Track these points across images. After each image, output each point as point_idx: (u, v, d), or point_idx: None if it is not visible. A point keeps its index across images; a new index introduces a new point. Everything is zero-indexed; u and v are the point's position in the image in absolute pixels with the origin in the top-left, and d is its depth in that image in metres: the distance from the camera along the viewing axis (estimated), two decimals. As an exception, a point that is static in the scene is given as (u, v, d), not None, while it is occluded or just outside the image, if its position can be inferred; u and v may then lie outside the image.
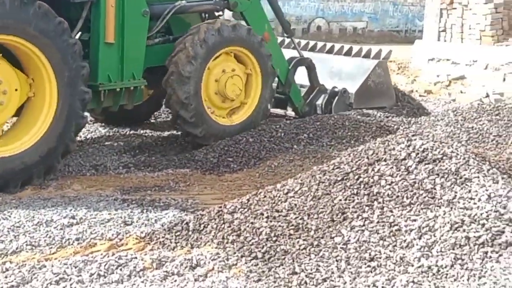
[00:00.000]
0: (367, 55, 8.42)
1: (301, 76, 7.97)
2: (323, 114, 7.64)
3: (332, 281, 3.55)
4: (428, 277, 3.48)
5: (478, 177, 4.08)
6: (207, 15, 7.32)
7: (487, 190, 3.95)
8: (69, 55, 5.54)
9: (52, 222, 4.64)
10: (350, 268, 3.64)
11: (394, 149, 4.40)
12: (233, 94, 6.87)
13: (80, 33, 6.27)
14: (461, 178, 4.08)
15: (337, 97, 7.87)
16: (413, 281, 3.44)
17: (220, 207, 4.45)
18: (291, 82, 7.70)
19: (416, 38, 14.83)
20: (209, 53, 6.63)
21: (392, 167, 4.26)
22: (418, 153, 4.31)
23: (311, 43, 8.98)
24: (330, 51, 8.74)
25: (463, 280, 3.42)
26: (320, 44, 8.92)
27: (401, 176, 4.19)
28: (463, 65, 10.98)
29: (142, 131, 7.60)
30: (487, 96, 9.80)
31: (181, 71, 6.48)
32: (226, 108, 6.99)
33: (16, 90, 5.45)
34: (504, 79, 10.32)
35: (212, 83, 6.79)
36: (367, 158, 4.42)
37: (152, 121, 8.06)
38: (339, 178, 4.36)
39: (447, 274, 3.48)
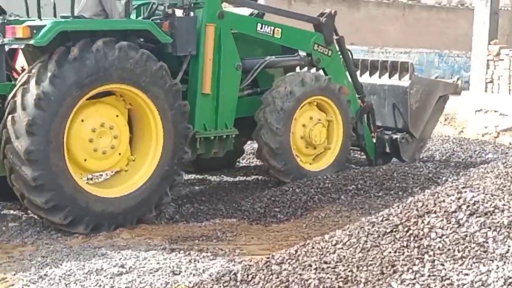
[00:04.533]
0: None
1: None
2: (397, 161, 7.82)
3: (383, 335, 3.49)
4: (481, 333, 3.40)
5: (532, 230, 4.00)
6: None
7: (541, 244, 3.87)
8: (171, 95, 5.96)
9: (102, 271, 4.69)
10: (401, 322, 3.58)
11: (444, 201, 4.36)
12: (318, 140, 7.31)
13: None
14: (514, 231, 4.00)
15: (400, 146, 7.87)
16: (466, 337, 3.36)
17: (268, 257, 4.44)
18: (362, 134, 7.82)
19: (463, 89, 14.74)
20: (295, 105, 7.07)
21: (443, 220, 4.21)
22: (468, 206, 4.25)
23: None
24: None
25: (518, 337, 3.33)
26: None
27: (452, 229, 4.13)
28: (512, 116, 10.86)
29: (189, 181, 7.68)
30: (537, 147, 9.64)
31: (270, 124, 6.91)
32: (311, 155, 7.41)
33: (124, 126, 5.94)
34: (553, 131, 10.16)
35: (298, 132, 7.22)
36: (417, 210, 4.38)
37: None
38: (388, 230, 4.32)
39: (501, 331, 3.39)
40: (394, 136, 7.88)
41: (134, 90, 5.81)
